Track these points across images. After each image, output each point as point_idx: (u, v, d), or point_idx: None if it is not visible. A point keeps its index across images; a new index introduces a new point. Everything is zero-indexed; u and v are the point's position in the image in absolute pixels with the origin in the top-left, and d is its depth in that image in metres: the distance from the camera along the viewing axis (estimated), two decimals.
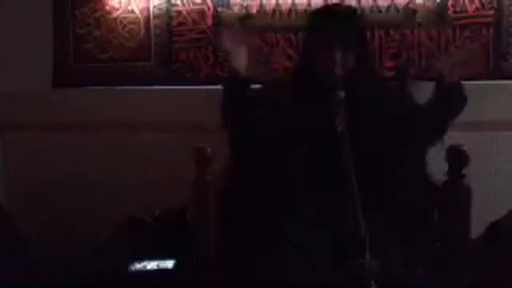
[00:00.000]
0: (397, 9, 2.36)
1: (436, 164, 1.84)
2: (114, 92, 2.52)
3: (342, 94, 1.63)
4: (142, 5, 2.48)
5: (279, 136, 1.75)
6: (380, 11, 2.36)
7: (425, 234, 1.80)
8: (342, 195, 1.53)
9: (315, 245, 1.60)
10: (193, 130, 2.36)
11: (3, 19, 2.54)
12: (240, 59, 1.78)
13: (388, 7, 2.36)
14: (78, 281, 2.13)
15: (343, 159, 1.55)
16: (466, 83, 1.73)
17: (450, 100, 1.70)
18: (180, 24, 2.47)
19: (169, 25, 2.48)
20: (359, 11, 2.21)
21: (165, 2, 2.47)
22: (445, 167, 1.76)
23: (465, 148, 1.72)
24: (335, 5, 2.18)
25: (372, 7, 2.35)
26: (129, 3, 2.49)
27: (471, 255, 1.76)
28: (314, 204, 1.69)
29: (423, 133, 1.79)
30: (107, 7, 2.50)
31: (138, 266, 2.12)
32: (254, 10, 2.42)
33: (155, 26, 2.49)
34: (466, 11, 2.33)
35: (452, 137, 1.78)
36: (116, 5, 2.50)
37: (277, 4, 2.41)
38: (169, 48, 2.50)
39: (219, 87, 1.87)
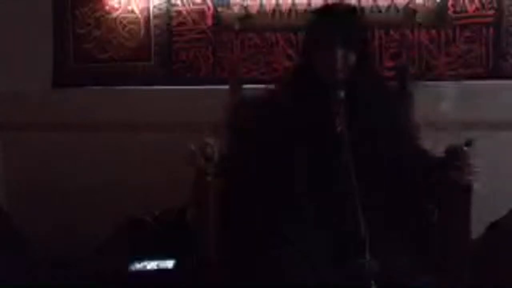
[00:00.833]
0: (397, 9, 2.36)
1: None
2: (114, 92, 2.52)
3: (342, 94, 1.63)
4: (142, 5, 2.49)
5: (279, 136, 1.75)
6: (380, 11, 2.36)
7: (425, 234, 1.80)
8: (342, 195, 1.53)
9: (315, 245, 1.60)
10: (193, 130, 2.36)
11: (3, 19, 2.54)
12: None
13: (388, 7, 2.36)
14: (78, 281, 2.13)
15: (343, 159, 1.55)
16: (466, 83, 1.72)
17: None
18: (180, 24, 2.48)
19: (169, 25, 2.48)
20: (359, 11, 2.21)
21: (165, 2, 2.47)
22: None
23: (465, 147, 1.72)
24: (335, 4, 2.18)
25: (372, 7, 2.36)
26: (129, 3, 2.49)
27: (471, 255, 1.76)
28: (314, 204, 1.69)
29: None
30: (107, 7, 2.51)
31: (138, 266, 2.12)
32: (254, 10, 2.42)
33: (155, 26, 2.49)
34: (466, 11, 2.33)
35: (452, 137, 1.78)
36: (116, 5, 2.50)
37: (277, 4, 2.41)
38: (169, 48, 2.50)
39: (219, 87, 1.86)
